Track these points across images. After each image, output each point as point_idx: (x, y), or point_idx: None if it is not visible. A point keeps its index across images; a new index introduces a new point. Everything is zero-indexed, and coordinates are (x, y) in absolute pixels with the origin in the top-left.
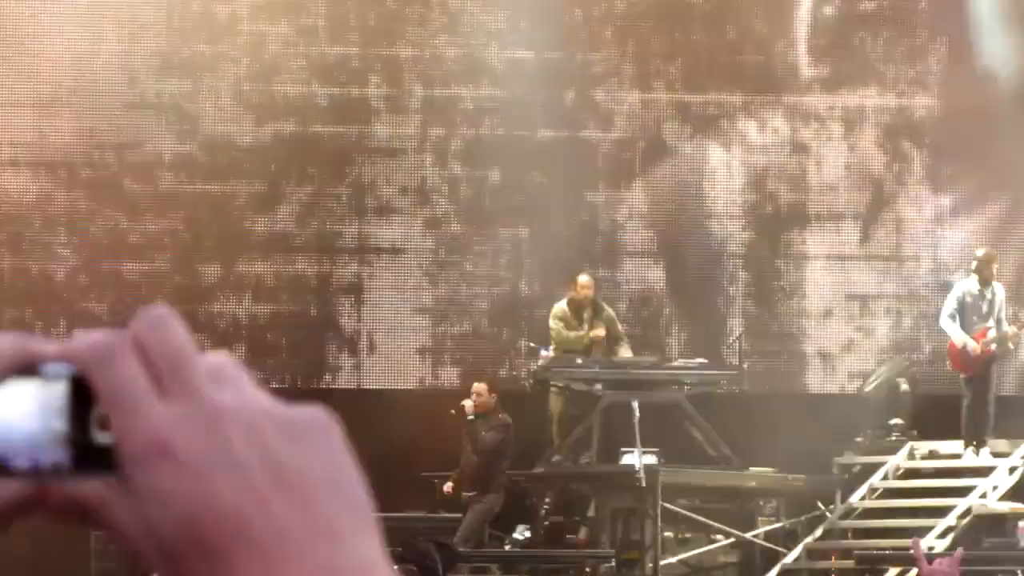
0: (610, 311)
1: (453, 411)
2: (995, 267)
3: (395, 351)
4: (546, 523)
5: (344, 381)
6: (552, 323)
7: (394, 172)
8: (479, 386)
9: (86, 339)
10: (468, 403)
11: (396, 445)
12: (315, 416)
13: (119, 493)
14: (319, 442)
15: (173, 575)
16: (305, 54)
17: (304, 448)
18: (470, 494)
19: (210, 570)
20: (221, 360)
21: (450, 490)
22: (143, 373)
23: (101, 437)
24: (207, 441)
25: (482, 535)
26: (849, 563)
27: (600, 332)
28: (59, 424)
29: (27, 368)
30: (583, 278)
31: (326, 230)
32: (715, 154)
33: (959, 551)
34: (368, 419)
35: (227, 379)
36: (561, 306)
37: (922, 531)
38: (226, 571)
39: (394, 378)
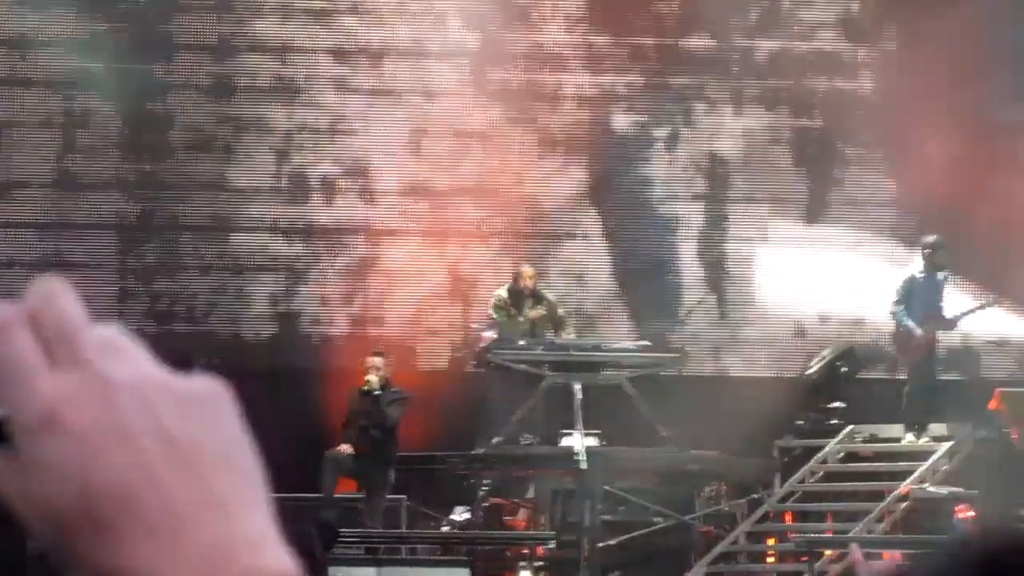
0: (551, 297)
1: (365, 387)
2: (944, 253)
3: None
4: (485, 505)
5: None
6: (492, 312)
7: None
8: (377, 360)
9: None
10: (373, 378)
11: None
12: (208, 387)
13: (10, 466)
14: (212, 414)
15: (64, 549)
16: None
17: (196, 420)
18: (360, 458)
19: (100, 543)
20: (113, 332)
21: (351, 450)
22: (34, 346)
23: None
24: (97, 412)
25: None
26: (788, 546)
27: (540, 312)
28: None
29: None
30: (527, 268)
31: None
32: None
33: (901, 564)
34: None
35: (119, 351)
36: (500, 294)
37: (861, 515)
38: (115, 544)
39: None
